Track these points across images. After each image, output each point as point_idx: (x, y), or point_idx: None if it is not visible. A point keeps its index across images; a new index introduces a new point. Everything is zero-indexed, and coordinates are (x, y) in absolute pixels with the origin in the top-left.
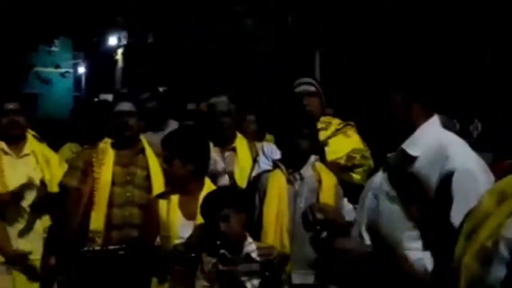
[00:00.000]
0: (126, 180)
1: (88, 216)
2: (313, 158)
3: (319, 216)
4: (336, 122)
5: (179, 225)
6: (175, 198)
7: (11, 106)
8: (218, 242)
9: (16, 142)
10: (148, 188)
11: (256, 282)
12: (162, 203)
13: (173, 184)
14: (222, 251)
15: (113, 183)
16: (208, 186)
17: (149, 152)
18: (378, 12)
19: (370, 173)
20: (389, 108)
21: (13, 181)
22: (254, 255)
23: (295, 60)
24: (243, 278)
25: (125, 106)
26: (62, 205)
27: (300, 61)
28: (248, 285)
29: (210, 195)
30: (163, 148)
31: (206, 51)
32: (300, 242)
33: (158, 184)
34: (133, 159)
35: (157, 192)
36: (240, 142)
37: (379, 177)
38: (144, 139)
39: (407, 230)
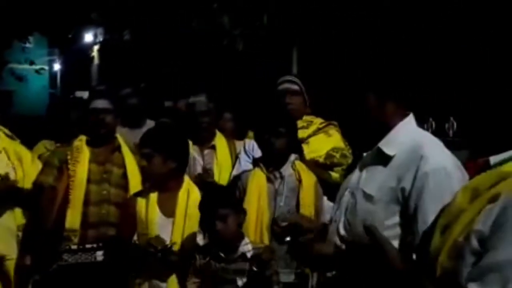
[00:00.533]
0: (102, 178)
1: (63, 214)
2: (293, 157)
3: (282, 224)
4: (318, 121)
5: (158, 222)
6: (154, 196)
7: None
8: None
9: None
10: (125, 186)
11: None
12: (141, 201)
13: (152, 182)
14: (216, 250)
15: (89, 181)
16: (187, 183)
17: (125, 149)
18: (355, 10)
19: (347, 171)
20: (364, 107)
21: None
22: (249, 255)
23: (273, 58)
24: (234, 276)
25: (101, 103)
26: (37, 203)
27: (278, 58)
28: (239, 282)
29: (208, 193)
30: (142, 145)
31: (183, 48)
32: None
33: (134, 182)
34: (109, 157)
35: (133, 190)
36: (220, 140)
37: (356, 176)
38: (120, 136)
39: (383, 230)
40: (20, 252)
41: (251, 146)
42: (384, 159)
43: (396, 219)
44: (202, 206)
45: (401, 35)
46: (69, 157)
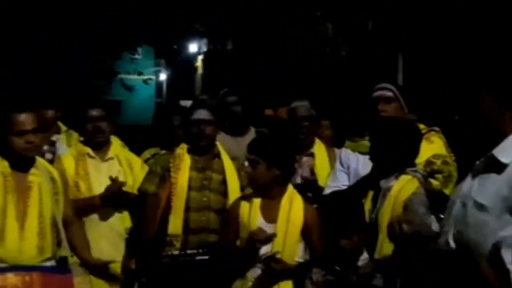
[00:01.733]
0: (203, 184)
1: (166, 220)
2: None
3: (406, 228)
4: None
5: (259, 228)
6: (257, 201)
7: (94, 112)
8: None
9: (100, 146)
10: (224, 193)
11: None
12: (244, 206)
13: (256, 188)
14: (334, 265)
15: (190, 188)
16: (291, 191)
17: (224, 156)
18: (463, 11)
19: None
20: (480, 113)
21: (98, 184)
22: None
23: (377, 64)
24: None
25: (202, 114)
26: (141, 210)
27: (382, 64)
28: None
29: (333, 208)
30: (248, 151)
31: (285, 56)
32: None
33: (234, 188)
34: (209, 164)
35: (233, 196)
36: (319, 148)
37: (467, 184)
38: (219, 143)
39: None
40: (125, 255)
41: (347, 156)
42: (498, 167)
43: (510, 230)
44: (326, 217)
45: None
46: (171, 164)
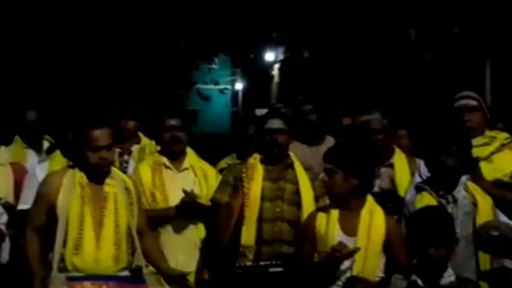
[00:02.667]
0: (276, 195)
1: (239, 231)
2: (464, 178)
3: (494, 233)
4: (502, 137)
5: (338, 241)
6: (335, 213)
7: (173, 122)
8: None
9: (176, 157)
10: (298, 203)
11: None
12: (321, 217)
13: (333, 198)
14: (414, 277)
15: (263, 198)
16: (371, 203)
17: (298, 166)
18: None
19: None
20: None
21: (174, 194)
22: None
23: (463, 70)
24: None
25: (275, 123)
26: (214, 220)
27: (468, 70)
28: None
29: (420, 215)
30: (325, 160)
31: (363, 64)
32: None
33: (308, 199)
34: (282, 174)
35: (306, 207)
36: (399, 158)
37: None
38: (293, 153)
39: None
40: (199, 266)
41: (425, 168)
42: None
43: None
44: (414, 228)
45: None
46: (243, 174)
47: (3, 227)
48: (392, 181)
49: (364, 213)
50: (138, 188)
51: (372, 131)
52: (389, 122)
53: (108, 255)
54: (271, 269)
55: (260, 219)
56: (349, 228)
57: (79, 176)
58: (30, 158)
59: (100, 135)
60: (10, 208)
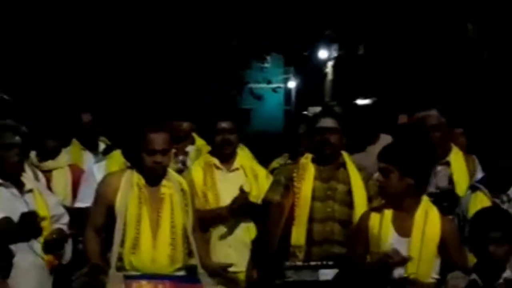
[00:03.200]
0: (327, 195)
1: (289, 230)
2: None
3: None
4: None
5: (391, 242)
6: (388, 213)
7: (224, 125)
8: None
9: (227, 158)
10: (350, 203)
11: None
12: (374, 217)
13: (387, 198)
14: (473, 276)
15: (314, 198)
16: (426, 203)
17: (350, 166)
18: None
19: None
20: None
21: (225, 194)
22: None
23: None
24: None
25: (327, 122)
26: (265, 219)
27: None
28: None
29: (480, 214)
30: (380, 160)
31: (421, 60)
32: None
33: (360, 199)
34: (334, 174)
35: (358, 207)
36: (455, 156)
37: None
38: (345, 153)
39: None
40: (248, 265)
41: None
42: None
43: None
44: (475, 226)
45: None
46: (295, 174)
47: (65, 228)
48: (450, 180)
49: (419, 213)
50: (192, 189)
51: (429, 128)
52: (447, 120)
53: (164, 255)
54: (321, 270)
55: (311, 219)
56: (403, 228)
57: (137, 177)
58: (87, 159)
59: (157, 139)
60: (67, 210)
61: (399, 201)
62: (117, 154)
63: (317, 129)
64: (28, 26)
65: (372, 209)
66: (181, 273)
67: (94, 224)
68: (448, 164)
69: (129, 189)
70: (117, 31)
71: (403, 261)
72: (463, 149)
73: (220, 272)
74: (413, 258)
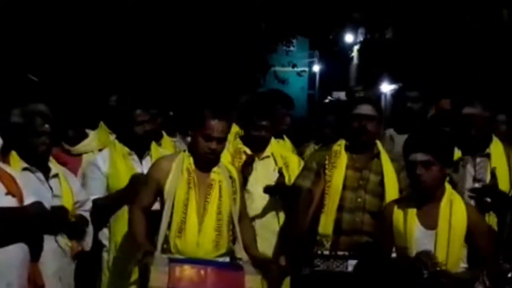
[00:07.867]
0: (358, 184)
1: (317, 218)
2: None
3: None
4: None
5: (417, 235)
6: (412, 205)
7: (264, 123)
8: None
9: (258, 144)
10: (381, 195)
11: None
12: (398, 210)
13: (425, 191)
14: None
15: (345, 187)
16: (450, 193)
17: (384, 156)
18: None
19: None
20: None
21: (254, 182)
22: None
23: None
24: None
25: (365, 109)
26: (294, 205)
27: None
28: None
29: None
30: (421, 151)
31: (451, 45)
32: None
33: (392, 190)
34: (367, 164)
35: (390, 199)
36: (496, 147)
37: None
38: (379, 142)
39: None
40: (275, 252)
41: None
42: None
43: None
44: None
45: None
46: (327, 161)
47: (87, 214)
48: (493, 173)
49: (444, 204)
50: (241, 177)
51: (471, 122)
52: (489, 111)
53: (209, 240)
54: (349, 261)
55: (341, 208)
56: (429, 220)
57: (188, 162)
58: None
59: (216, 125)
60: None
61: (433, 193)
62: (101, 132)
63: (355, 115)
64: (53, 14)
65: (394, 200)
66: (224, 259)
67: (143, 205)
68: (488, 156)
69: (179, 173)
70: (145, 17)
71: (434, 265)
72: (505, 138)
73: (264, 265)
74: (445, 264)
